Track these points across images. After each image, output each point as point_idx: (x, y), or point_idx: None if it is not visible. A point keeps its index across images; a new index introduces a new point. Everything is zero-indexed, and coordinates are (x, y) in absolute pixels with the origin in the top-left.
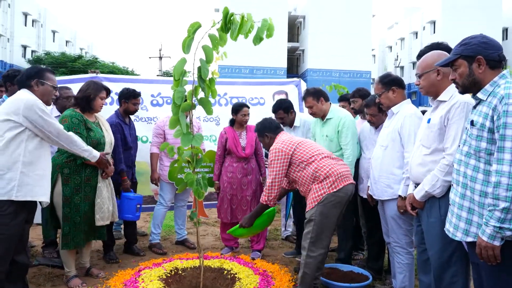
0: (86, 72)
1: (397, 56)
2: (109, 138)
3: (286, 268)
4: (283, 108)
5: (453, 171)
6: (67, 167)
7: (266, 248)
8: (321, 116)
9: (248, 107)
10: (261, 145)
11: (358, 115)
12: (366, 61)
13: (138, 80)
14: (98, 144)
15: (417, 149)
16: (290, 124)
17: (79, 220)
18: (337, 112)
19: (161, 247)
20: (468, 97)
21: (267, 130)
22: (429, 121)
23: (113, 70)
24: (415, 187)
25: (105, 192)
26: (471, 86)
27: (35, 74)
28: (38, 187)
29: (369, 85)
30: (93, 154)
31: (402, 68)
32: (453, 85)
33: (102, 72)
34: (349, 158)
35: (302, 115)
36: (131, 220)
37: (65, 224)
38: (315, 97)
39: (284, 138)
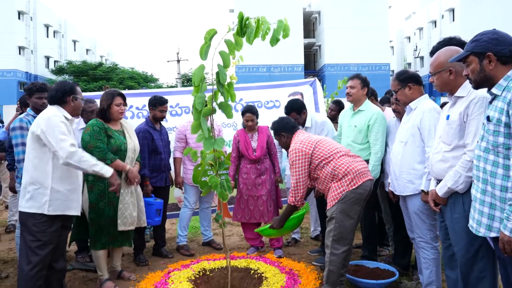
0: (108, 79)
1: (416, 46)
2: (132, 144)
3: (312, 266)
4: (296, 109)
5: (473, 167)
6: (91, 174)
7: (292, 246)
8: (354, 103)
9: (253, 113)
10: (277, 143)
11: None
12: (384, 53)
13: (158, 93)
14: (118, 151)
15: (437, 145)
16: (302, 125)
17: (104, 223)
18: (371, 107)
19: (188, 249)
20: (485, 92)
21: (284, 130)
22: (448, 117)
23: (132, 75)
24: (437, 183)
25: (128, 198)
26: (483, 82)
27: (70, 91)
28: (69, 202)
29: (388, 77)
30: (104, 169)
31: (421, 58)
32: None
33: (122, 78)
34: (377, 153)
35: (314, 116)
36: (151, 224)
37: (92, 228)
38: (363, 83)
39: (302, 138)
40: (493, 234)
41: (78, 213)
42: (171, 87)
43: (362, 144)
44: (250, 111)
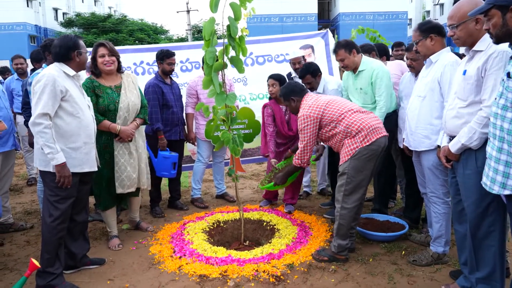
0: (117, 31)
1: None
2: (125, 103)
3: (323, 219)
4: (311, 72)
5: (489, 125)
6: None
7: (303, 199)
8: (353, 68)
9: (275, 78)
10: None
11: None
12: (402, 0)
13: (167, 48)
14: (106, 111)
15: (452, 101)
16: (316, 88)
17: (104, 184)
18: (369, 63)
19: (203, 201)
20: (506, 46)
21: (293, 94)
22: (464, 72)
23: (142, 27)
24: (450, 139)
25: (124, 160)
26: (505, 37)
27: (74, 46)
28: (72, 159)
29: (405, 26)
30: (55, 156)
31: (441, 6)
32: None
33: (132, 30)
34: (382, 108)
35: (327, 82)
36: (168, 177)
37: (95, 187)
38: (347, 49)
39: (311, 103)
40: (507, 192)
41: (90, 169)
42: (181, 39)
43: (372, 104)
44: (272, 77)
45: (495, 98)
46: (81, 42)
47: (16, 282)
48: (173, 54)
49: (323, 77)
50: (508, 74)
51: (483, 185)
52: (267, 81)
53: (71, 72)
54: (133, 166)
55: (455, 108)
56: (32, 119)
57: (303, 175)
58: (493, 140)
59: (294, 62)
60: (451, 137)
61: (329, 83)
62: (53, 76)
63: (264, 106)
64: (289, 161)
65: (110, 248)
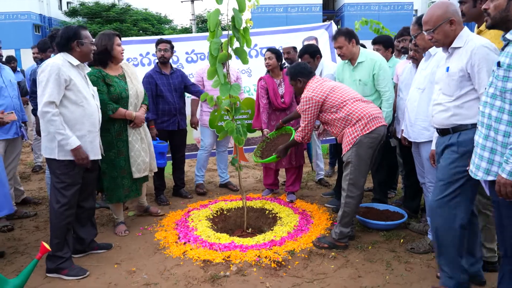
0: (122, 21)
1: None
2: (134, 90)
3: (324, 208)
4: (310, 52)
5: (478, 114)
6: None
7: (304, 189)
8: (349, 58)
9: (272, 51)
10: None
11: (404, 56)
12: None
13: (172, 39)
14: (119, 98)
15: (437, 96)
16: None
17: (116, 175)
18: (369, 55)
19: (203, 187)
20: (483, 40)
21: (300, 75)
22: (448, 69)
23: (146, 16)
24: (438, 131)
25: (138, 146)
26: (501, 23)
27: (74, 36)
28: None
29: (411, 17)
30: (68, 142)
31: None
32: (465, 32)
33: (136, 20)
34: (389, 100)
35: (326, 66)
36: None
37: (104, 179)
38: (347, 37)
39: (315, 86)
40: (490, 178)
41: (94, 157)
42: (185, 29)
43: (371, 95)
44: (269, 50)
45: (485, 88)
46: (84, 32)
47: (28, 264)
48: (164, 41)
49: (321, 62)
50: (498, 63)
51: (470, 172)
52: (264, 53)
53: (75, 61)
54: (145, 150)
55: (442, 103)
56: (40, 108)
57: (302, 165)
58: (480, 128)
59: (284, 52)
60: (439, 130)
61: (326, 67)
62: (57, 65)
63: (259, 80)
64: (281, 132)
65: (117, 234)
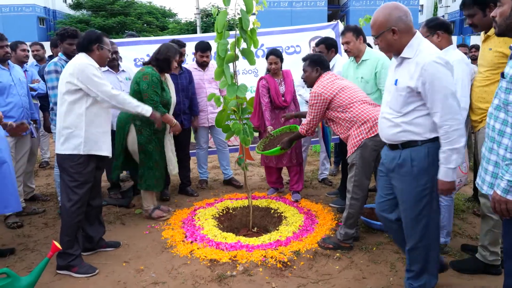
0: (126, 14)
1: None
2: (174, 97)
3: (329, 208)
4: (327, 44)
5: (486, 126)
6: (139, 119)
7: (309, 188)
8: (355, 55)
9: (276, 55)
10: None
11: None
12: None
13: (180, 39)
14: (167, 104)
15: (384, 109)
16: None
17: (151, 165)
18: (373, 53)
19: (204, 183)
20: (433, 53)
21: (319, 64)
22: (396, 82)
23: (150, 10)
24: (388, 147)
25: (169, 145)
26: (506, 30)
27: (96, 40)
28: (101, 143)
29: (417, 13)
30: (145, 109)
31: None
32: (416, 40)
33: (140, 13)
34: None
35: (337, 58)
36: None
37: (140, 168)
38: (355, 33)
39: (326, 83)
40: None
41: (109, 154)
42: (190, 22)
43: (372, 94)
44: (273, 54)
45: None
46: (105, 39)
47: (39, 263)
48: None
49: (336, 57)
50: (502, 74)
51: (476, 185)
52: (267, 58)
53: (95, 64)
54: (173, 151)
55: (390, 118)
56: (108, 94)
57: (301, 161)
58: (487, 140)
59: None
60: (390, 145)
61: (339, 63)
62: (90, 64)
63: (260, 79)
64: (284, 129)
65: (156, 218)
